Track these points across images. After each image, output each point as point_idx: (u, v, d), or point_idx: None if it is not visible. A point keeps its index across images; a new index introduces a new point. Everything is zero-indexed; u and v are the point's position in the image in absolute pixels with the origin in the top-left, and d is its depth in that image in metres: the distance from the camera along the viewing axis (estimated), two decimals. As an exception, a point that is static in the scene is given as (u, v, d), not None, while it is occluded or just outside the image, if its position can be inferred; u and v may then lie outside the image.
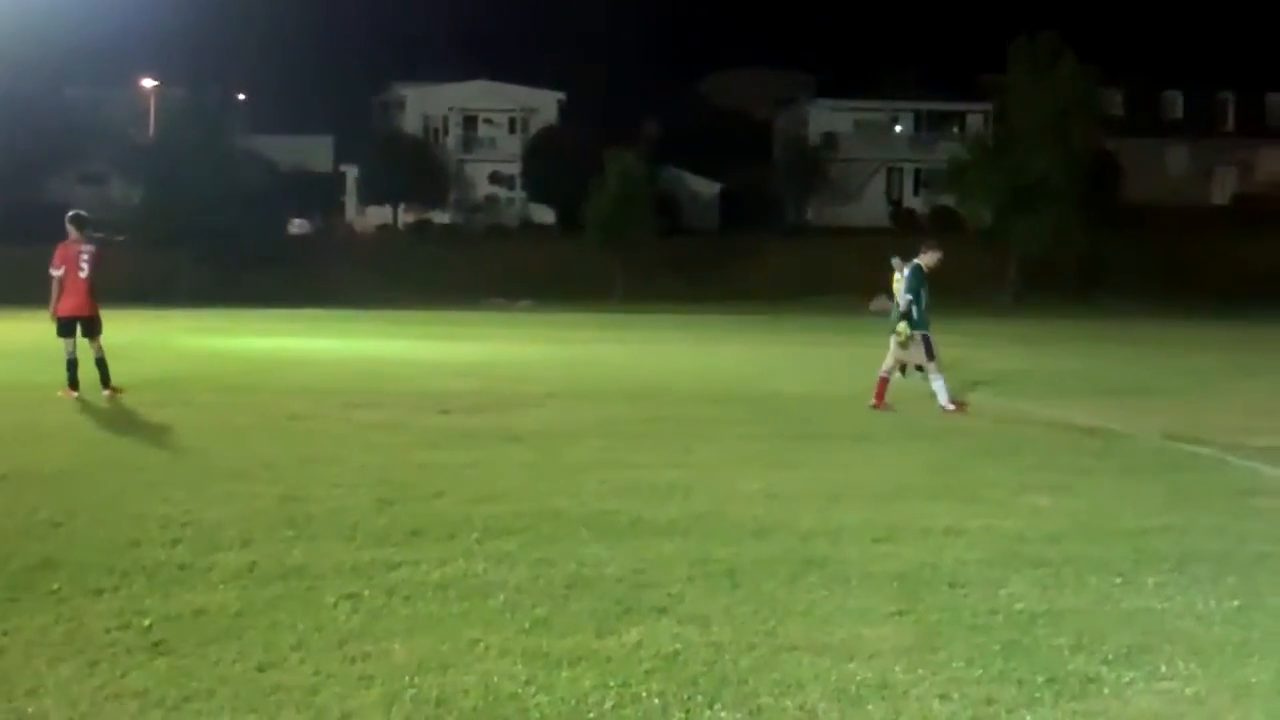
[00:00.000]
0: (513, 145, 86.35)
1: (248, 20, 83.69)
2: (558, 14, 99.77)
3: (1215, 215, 79.28)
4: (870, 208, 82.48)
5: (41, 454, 12.09)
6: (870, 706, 5.50)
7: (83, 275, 17.13)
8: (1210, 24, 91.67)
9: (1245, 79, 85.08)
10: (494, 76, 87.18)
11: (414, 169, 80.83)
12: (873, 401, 17.18)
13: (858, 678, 5.79)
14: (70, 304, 17.10)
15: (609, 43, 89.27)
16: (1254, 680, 5.87)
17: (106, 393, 16.97)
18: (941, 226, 74.15)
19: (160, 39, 76.29)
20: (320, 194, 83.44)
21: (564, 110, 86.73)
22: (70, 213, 17.59)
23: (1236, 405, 18.22)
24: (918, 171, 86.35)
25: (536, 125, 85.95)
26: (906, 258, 22.33)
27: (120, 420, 14.89)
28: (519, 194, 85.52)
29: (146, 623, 6.45)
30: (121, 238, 70.06)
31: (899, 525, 8.98)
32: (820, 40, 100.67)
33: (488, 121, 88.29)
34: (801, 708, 5.47)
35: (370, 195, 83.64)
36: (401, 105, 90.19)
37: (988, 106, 79.00)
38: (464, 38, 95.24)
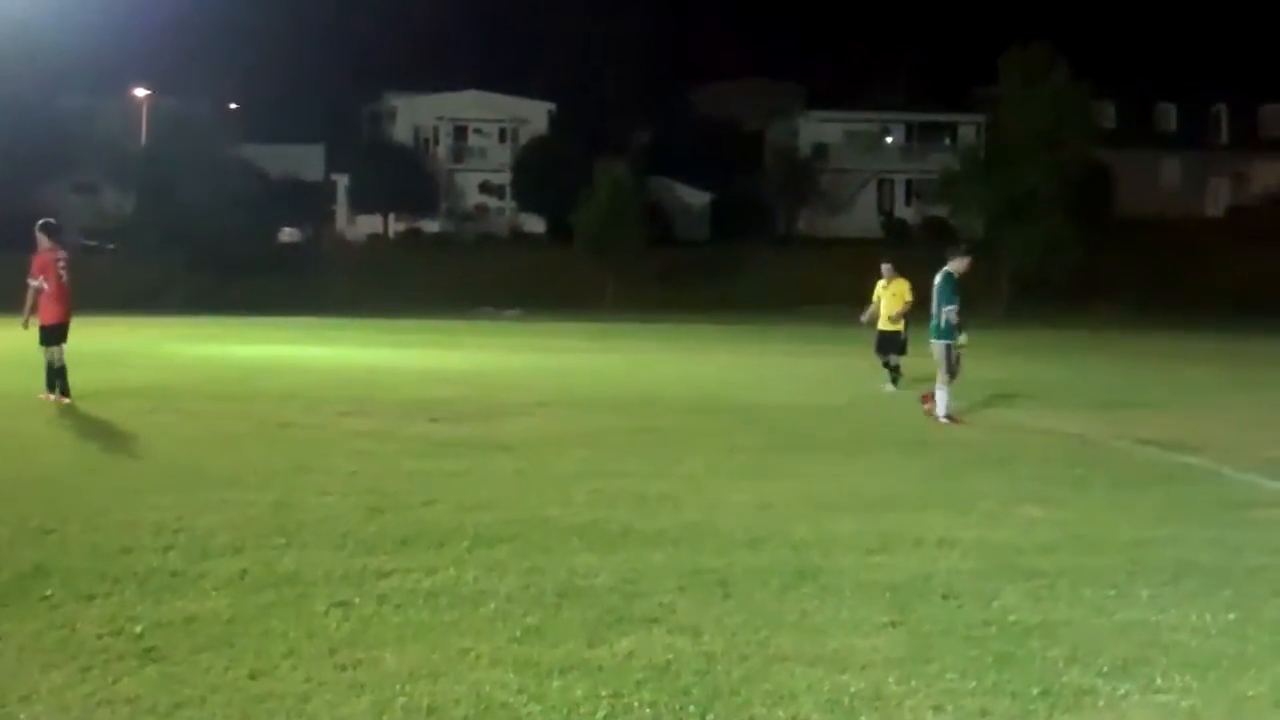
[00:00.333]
0: (503, 155, 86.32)
1: (239, 30, 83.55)
2: (548, 25, 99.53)
3: (1209, 227, 79.22)
4: (861, 219, 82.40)
5: (33, 461, 12.06)
6: (863, 718, 5.50)
7: (63, 282, 17.11)
8: (1203, 36, 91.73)
9: (1239, 91, 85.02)
10: (484, 87, 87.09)
11: (404, 178, 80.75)
12: (925, 405, 17.11)
13: (851, 689, 5.78)
14: (57, 311, 17.07)
15: (599, 53, 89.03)
16: (1251, 693, 5.87)
17: (51, 398, 16.85)
18: (933, 238, 74.26)
19: (152, 49, 76.13)
20: (311, 203, 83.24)
21: (554, 120, 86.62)
22: (41, 221, 17.53)
23: (1231, 418, 18.23)
24: (909, 182, 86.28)
25: (527, 135, 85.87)
26: (897, 266, 22.40)
27: (112, 428, 14.84)
28: (509, 203, 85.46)
29: (138, 630, 6.44)
30: (113, 246, 70.04)
31: (892, 536, 8.96)
32: (811, 51, 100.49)
33: (478, 131, 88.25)
34: (794, 719, 5.46)
35: (361, 204, 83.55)
36: (392, 115, 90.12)
37: (979, 118, 79.00)
38: (455, 48, 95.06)
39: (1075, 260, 62.02)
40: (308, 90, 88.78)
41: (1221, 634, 6.76)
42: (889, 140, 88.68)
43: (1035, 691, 5.79)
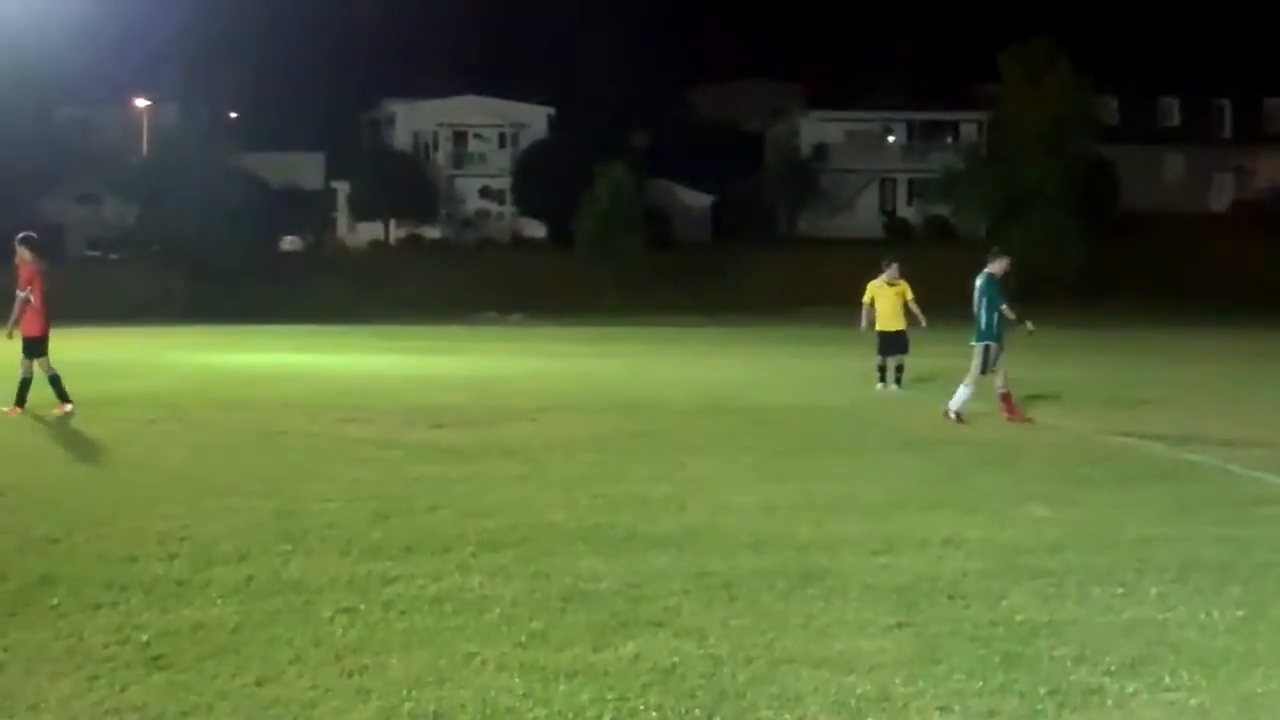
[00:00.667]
0: (503, 160, 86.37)
1: (238, 40, 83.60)
2: (546, 29, 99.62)
3: (1213, 222, 79.06)
4: (863, 218, 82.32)
5: (38, 471, 12.07)
6: (870, 719, 5.48)
7: (44, 293, 17.13)
8: (1206, 29, 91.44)
9: (1242, 85, 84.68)
10: (483, 92, 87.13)
11: (404, 185, 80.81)
12: (1005, 416, 17.01)
13: (857, 690, 5.77)
14: (43, 323, 17.07)
15: (598, 56, 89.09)
16: (1259, 691, 5.85)
17: (11, 410, 16.82)
18: (935, 237, 74.26)
19: (152, 59, 76.17)
20: (312, 211, 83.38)
21: (554, 124, 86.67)
22: (21, 234, 17.44)
23: (1237, 414, 18.18)
24: (911, 182, 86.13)
25: (526, 140, 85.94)
26: (903, 266, 22.37)
27: (116, 437, 14.83)
28: (509, 208, 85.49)
29: (145, 638, 6.44)
30: (115, 256, 70.13)
31: (897, 537, 8.94)
32: (811, 51, 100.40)
33: (478, 136, 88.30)
34: (801, 721, 5.46)
35: (361, 211, 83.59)
36: (391, 121, 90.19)
37: (981, 116, 78.93)
38: (453, 53, 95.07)
39: (1079, 257, 61.92)
40: (307, 98, 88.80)
41: (1230, 631, 6.74)
42: (890, 139, 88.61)
43: (1043, 691, 5.78)
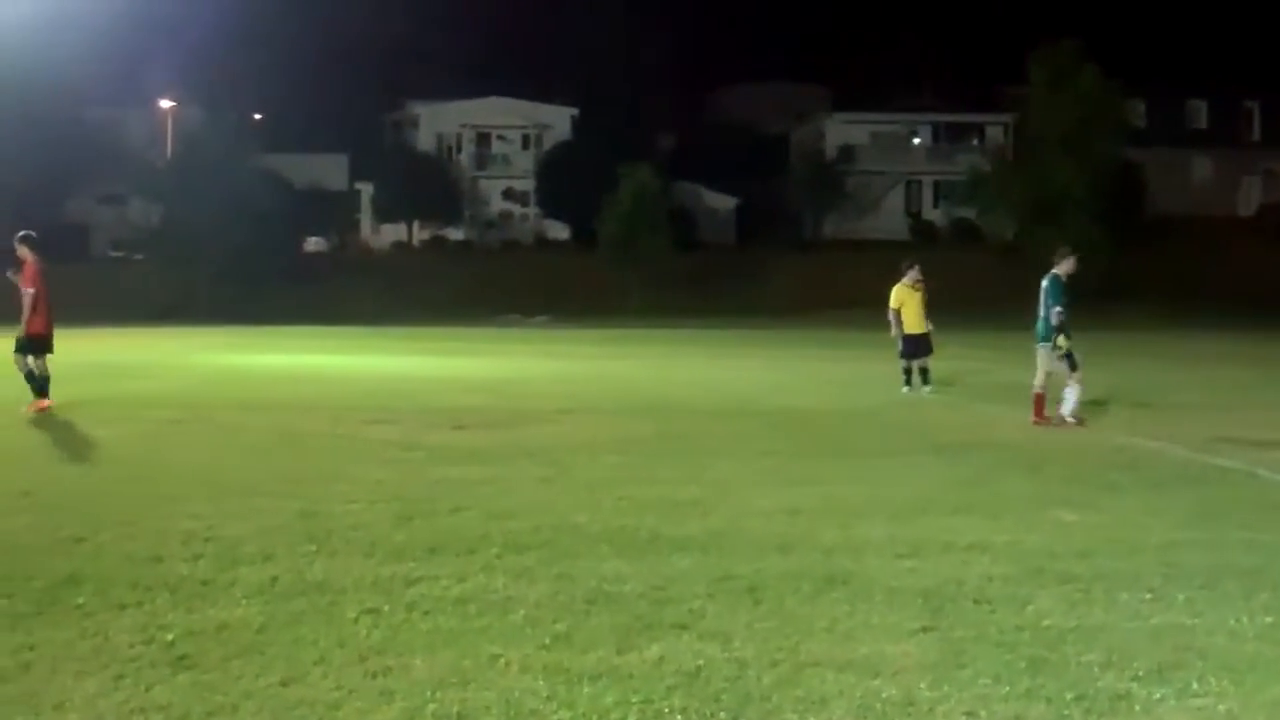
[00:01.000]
0: (526, 161, 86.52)
1: (262, 41, 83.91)
2: (570, 30, 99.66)
3: (1241, 226, 78.73)
4: (888, 221, 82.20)
5: (63, 471, 12.12)
6: (896, 724, 5.46)
7: (45, 295, 17.22)
8: (1234, 31, 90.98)
9: (1271, 87, 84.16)
10: (507, 93, 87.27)
11: (428, 186, 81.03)
12: (1033, 418, 16.99)
13: (882, 695, 5.74)
14: (45, 321, 17.17)
15: (622, 58, 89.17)
16: (1288, 697, 5.80)
17: (42, 405, 16.90)
18: (961, 239, 74.05)
19: (176, 61, 76.56)
20: (335, 212, 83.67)
21: (577, 126, 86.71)
22: (21, 233, 17.55)
23: (1266, 418, 18.04)
24: (936, 184, 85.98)
25: (550, 141, 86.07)
26: (924, 269, 22.33)
27: (141, 437, 14.89)
28: (533, 210, 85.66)
29: (170, 638, 6.45)
30: (140, 257, 70.42)
31: (922, 541, 8.91)
32: (836, 53, 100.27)
33: (501, 138, 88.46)
34: (826, 725, 5.44)
35: (385, 213, 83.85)
36: (415, 123, 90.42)
37: (1007, 118, 78.73)
38: (476, 55, 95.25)
39: (1106, 261, 61.69)
40: (331, 100, 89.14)
41: (1259, 637, 6.68)
42: (916, 141, 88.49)
43: (1070, 697, 5.74)
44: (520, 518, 9.63)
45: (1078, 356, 16.99)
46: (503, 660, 6.16)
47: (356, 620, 6.82)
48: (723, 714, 5.51)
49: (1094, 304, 62.30)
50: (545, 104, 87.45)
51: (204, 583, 7.59)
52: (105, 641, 6.41)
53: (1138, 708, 5.65)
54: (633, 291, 67.64)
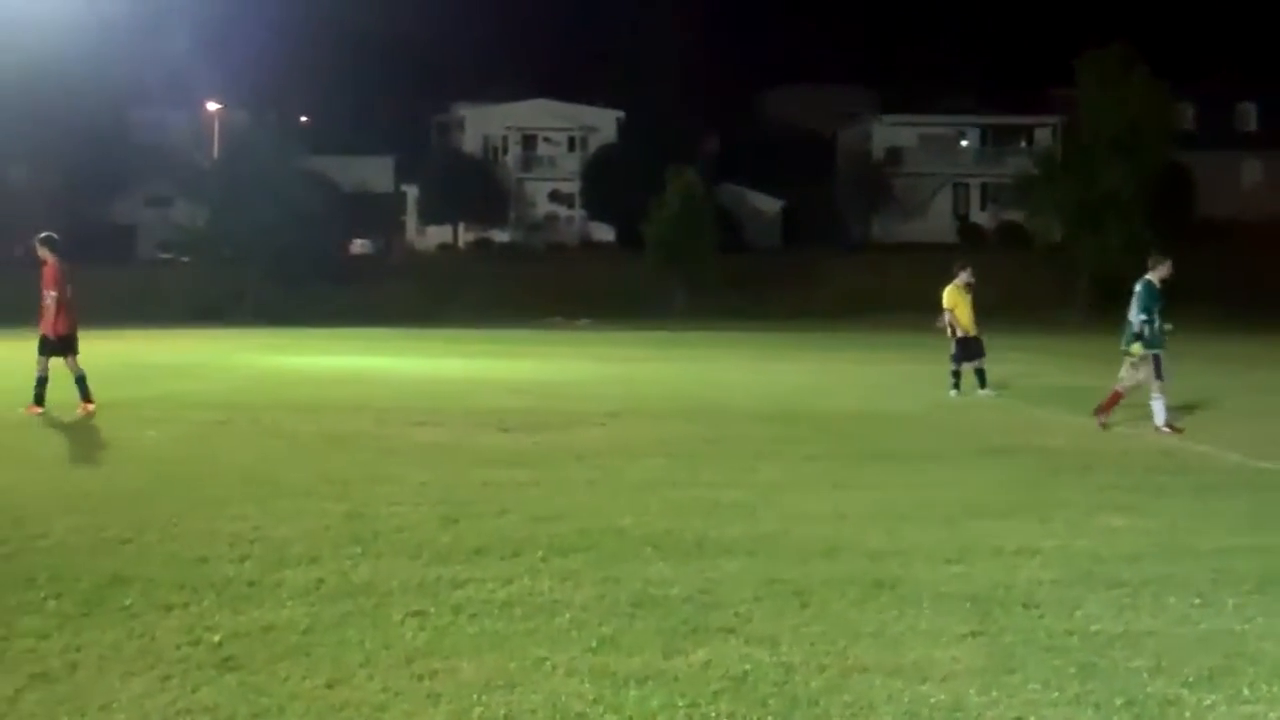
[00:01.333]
0: (572, 163, 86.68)
1: (308, 44, 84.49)
2: (616, 32, 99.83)
3: (1292, 229, 77.96)
4: (936, 223, 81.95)
5: (108, 472, 12.18)
6: (945, 729, 5.43)
7: (68, 296, 17.28)
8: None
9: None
10: (552, 95, 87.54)
11: (474, 188, 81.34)
12: (1099, 413, 16.95)
13: (931, 700, 5.71)
14: (67, 323, 17.25)
15: (668, 60, 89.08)
16: (1341, 704, 5.73)
17: (89, 408, 17.01)
18: (1009, 242, 73.65)
19: (223, 63, 77.20)
20: (381, 214, 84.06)
21: (623, 128, 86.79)
22: (43, 235, 17.63)
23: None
24: (984, 186, 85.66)
25: (595, 143, 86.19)
26: (974, 269, 22.19)
27: (186, 438, 14.97)
28: (578, 212, 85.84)
29: (216, 639, 6.48)
30: (186, 259, 70.91)
31: (970, 545, 8.86)
32: (883, 55, 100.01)
33: (547, 140, 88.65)
34: (875, 730, 5.41)
35: (430, 215, 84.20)
36: (461, 125, 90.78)
37: (1055, 120, 78.31)
38: (522, 57, 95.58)
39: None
40: (377, 102, 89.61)
41: (1310, 644, 6.61)
42: (964, 144, 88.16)
43: (1119, 702, 5.70)
44: (566, 520, 9.63)
45: (1166, 365, 16.76)
46: (549, 663, 6.15)
47: (402, 622, 6.83)
48: (770, 719, 5.49)
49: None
50: (591, 106, 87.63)
51: (250, 584, 7.62)
52: (151, 642, 6.43)
53: (1187, 714, 5.60)
54: (678, 294, 67.63)
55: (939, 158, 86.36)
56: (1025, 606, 7.26)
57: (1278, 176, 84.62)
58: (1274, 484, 12.17)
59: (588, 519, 9.70)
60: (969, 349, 21.64)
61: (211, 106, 77.48)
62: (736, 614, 7.04)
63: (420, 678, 5.94)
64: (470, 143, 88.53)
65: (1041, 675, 6.04)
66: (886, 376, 27.06)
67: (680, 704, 5.63)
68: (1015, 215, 75.28)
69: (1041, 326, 50.86)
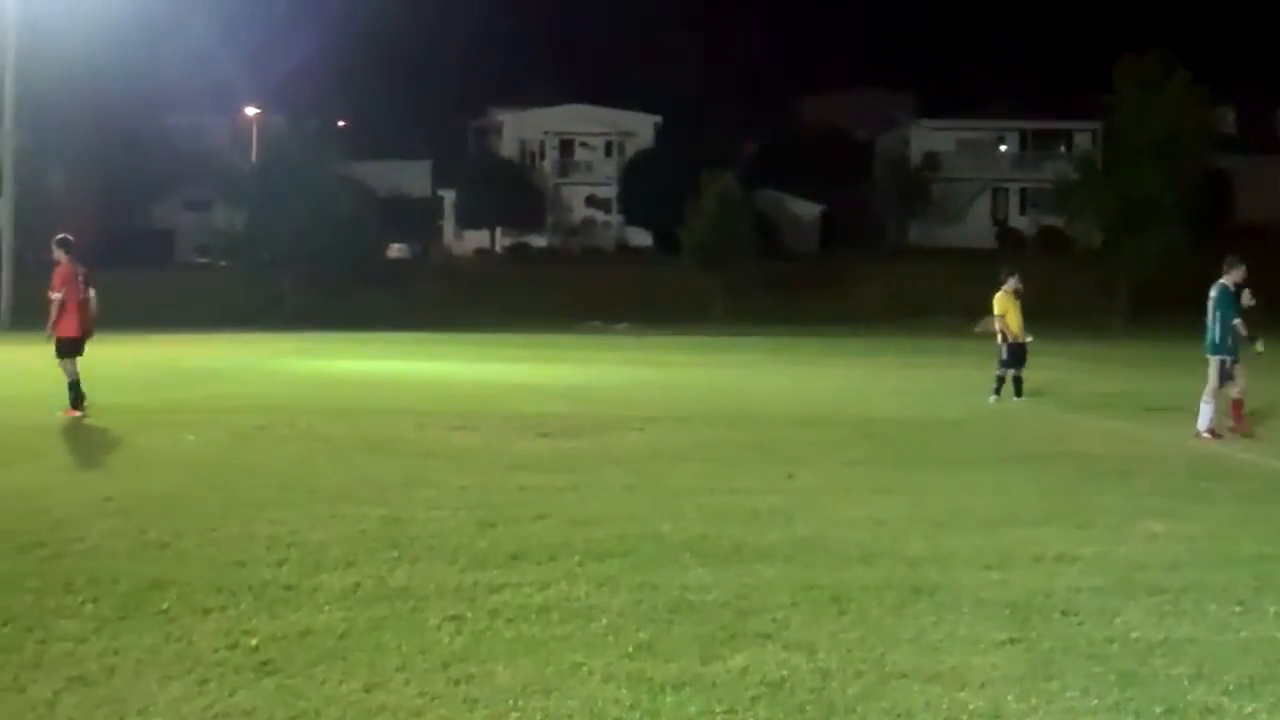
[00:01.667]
0: (609, 168, 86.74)
1: (346, 48, 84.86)
2: (653, 37, 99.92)
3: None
4: (975, 228, 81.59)
5: (146, 476, 12.23)
6: (983, 737, 5.39)
7: (81, 297, 17.33)
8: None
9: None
10: (590, 100, 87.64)
11: (511, 193, 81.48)
12: (1232, 425, 16.75)
13: (969, 707, 5.68)
14: (77, 324, 17.29)
15: (705, 64, 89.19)
16: (1385, 714, 5.67)
17: (73, 414, 17.00)
18: (1049, 247, 73.30)
19: (261, 68, 77.62)
20: (418, 218, 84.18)
21: (660, 132, 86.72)
22: (58, 236, 17.73)
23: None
24: (1023, 191, 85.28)
25: (633, 148, 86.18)
26: (1021, 275, 22.05)
27: (225, 442, 15.02)
28: (616, 217, 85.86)
29: (254, 642, 6.49)
30: (224, 263, 71.20)
31: (1009, 552, 8.81)
32: (921, 59, 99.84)
33: (584, 145, 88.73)
34: (913, 737, 5.38)
35: (468, 219, 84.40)
36: (498, 130, 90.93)
37: (1095, 125, 77.91)
38: (560, 62, 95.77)
39: (1194, 269, 60.74)
40: (414, 107, 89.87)
41: (1354, 653, 6.55)
42: (1002, 149, 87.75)
43: (1159, 710, 5.66)
44: (603, 525, 9.62)
45: (1231, 370, 16.62)
46: (585, 669, 6.14)
47: (439, 627, 6.83)
48: (807, 725, 5.47)
49: (1185, 313, 61.60)
50: (628, 111, 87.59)
51: (287, 588, 7.64)
52: (189, 646, 6.45)
53: (1229, 722, 5.55)
54: (716, 299, 67.55)
55: (978, 162, 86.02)
56: (1064, 613, 7.22)
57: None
58: (1316, 491, 12.07)
59: (625, 524, 9.70)
60: (1016, 355, 21.51)
61: (250, 111, 77.88)
62: (774, 620, 7.02)
63: (457, 682, 5.95)
64: (508, 147, 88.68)
65: (1080, 682, 6.00)
66: (924, 381, 26.97)
67: (717, 710, 5.61)
68: (1054, 220, 74.90)
69: (1082, 332, 50.56)
